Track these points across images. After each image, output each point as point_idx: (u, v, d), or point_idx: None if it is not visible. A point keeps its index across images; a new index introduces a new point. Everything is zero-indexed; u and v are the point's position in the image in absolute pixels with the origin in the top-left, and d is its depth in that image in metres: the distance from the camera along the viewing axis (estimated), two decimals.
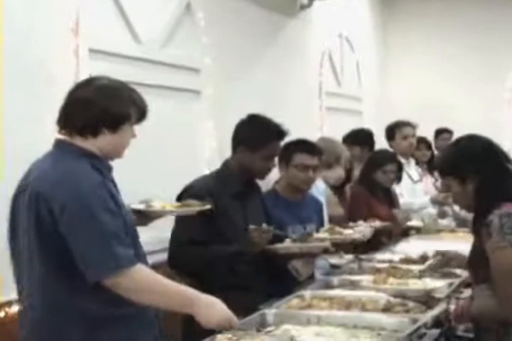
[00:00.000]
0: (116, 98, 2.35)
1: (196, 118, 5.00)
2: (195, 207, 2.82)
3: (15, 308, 3.18)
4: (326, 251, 3.36)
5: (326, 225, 3.82)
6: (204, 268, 3.11)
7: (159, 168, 4.51)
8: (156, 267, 3.52)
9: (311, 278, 3.54)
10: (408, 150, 5.76)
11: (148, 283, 2.23)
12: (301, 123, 6.70)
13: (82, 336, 2.25)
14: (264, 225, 3.07)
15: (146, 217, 2.62)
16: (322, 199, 4.12)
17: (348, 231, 3.50)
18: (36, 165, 2.37)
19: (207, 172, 4.24)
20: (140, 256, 2.36)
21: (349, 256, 3.78)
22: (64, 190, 2.20)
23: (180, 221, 3.17)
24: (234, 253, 3.07)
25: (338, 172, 4.46)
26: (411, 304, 2.65)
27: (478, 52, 8.76)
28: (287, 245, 3.19)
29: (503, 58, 8.66)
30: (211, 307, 2.25)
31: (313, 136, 6.92)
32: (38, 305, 2.28)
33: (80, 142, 2.35)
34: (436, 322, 2.43)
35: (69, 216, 2.19)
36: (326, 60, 7.34)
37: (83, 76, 3.88)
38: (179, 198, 3.17)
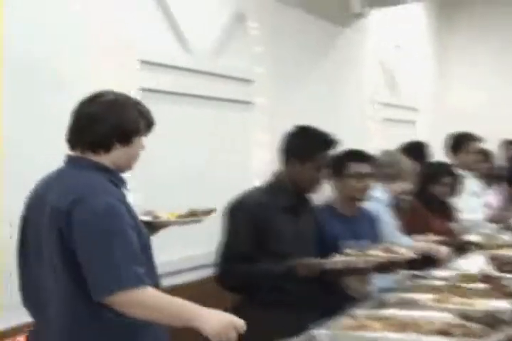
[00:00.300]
0: (125, 112, 2.37)
1: (249, 130, 4.93)
2: (200, 216, 2.71)
3: None
4: (376, 268, 3.17)
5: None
6: (251, 286, 3.04)
7: (210, 179, 4.45)
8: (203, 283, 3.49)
9: (367, 296, 3.39)
10: (472, 164, 5.60)
11: (151, 301, 2.18)
12: (355, 134, 6.59)
13: None
14: (312, 259, 2.96)
15: (152, 227, 2.58)
16: (383, 209, 4.02)
17: (402, 250, 3.30)
18: (51, 181, 2.37)
19: (257, 184, 4.15)
20: (150, 270, 2.33)
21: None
22: (84, 206, 2.20)
23: (229, 235, 3.09)
24: (281, 275, 2.97)
25: (400, 186, 4.31)
26: (473, 326, 2.50)
27: None
28: (334, 260, 3.04)
29: None
30: (213, 317, 2.20)
31: (366, 147, 6.82)
32: (62, 315, 2.25)
33: (93, 157, 2.35)
34: None
35: (84, 231, 2.19)
36: (380, 70, 7.21)
37: (133, 88, 3.86)
38: (230, 212, 3.11)
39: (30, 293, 2.39)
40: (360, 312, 2.79)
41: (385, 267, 3.18)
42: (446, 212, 4.81)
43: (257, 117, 5.00)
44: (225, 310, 2.57)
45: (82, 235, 2.18)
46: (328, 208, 3.57)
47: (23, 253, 2.38)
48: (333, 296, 3.18)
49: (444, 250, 4.06)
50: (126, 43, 3.81)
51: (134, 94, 3.82)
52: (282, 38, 5.43)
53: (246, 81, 4.96)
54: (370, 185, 3.58)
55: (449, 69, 9.01)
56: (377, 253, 3.17)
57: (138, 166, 3.56)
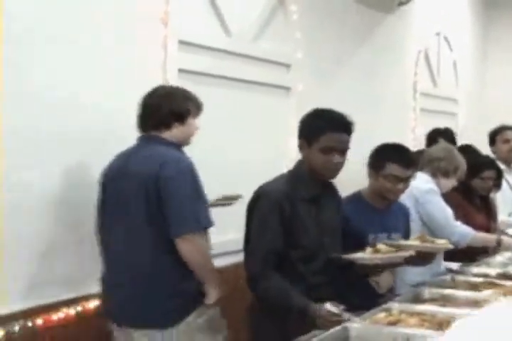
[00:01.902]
0: (176, 100, 3.06)
1: (284, 115, 4.83)
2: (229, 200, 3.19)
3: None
4: (408, 260, 3.02)
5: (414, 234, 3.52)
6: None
7: (243, 163, 4.38)
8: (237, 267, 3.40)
9: (391, 291, 3.28)
10: (508, 154, 5.45)
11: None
12: (394, 124, 6.48)
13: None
14: (336, 309, 2.61)
15: None
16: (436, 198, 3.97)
17: (440, 241, 3.20)
18: (128, 154, 3.01)
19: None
20: None
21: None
22: (169, 167, 2.84)
23: (259, 226, 2.87)
24: (297, 309, 2.71)
25: (452, 183, 4.20)
26: None
27: None
28: (368, 256, 2.85)
29: None
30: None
31: (405, 137, 6.71)
32: (142, 263, 2.86)
33: (159, 134, 3.02)
34: None
35: (172, 184, 2.82)
36: (422, 59, 7.06)
37: (171, 68, 3.80)
38: (254, 202, 2.90)
39: (107, 245, 3.01)
40: (395, 306, 2.69)
41: (421, 258, 3.05)
42: (486, 207, 4.67)
43: (294, 103, 4.91)
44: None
45: (170, 189, 2.81)
46: (359, 199, 3.39)
47: (103, 213, 3.02)
48: (358, 290, 3.05)
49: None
50: (166, 23, 3.74)
51: (171, 74, 3.79)
52: (322, 24, 5.32)
53: (284, 65, 4.88)
54: (406, 188, 3.37)
55: (490, 59, 8.82)
56: (414, 244, 3.07)
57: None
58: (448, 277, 3.31)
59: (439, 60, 7.45)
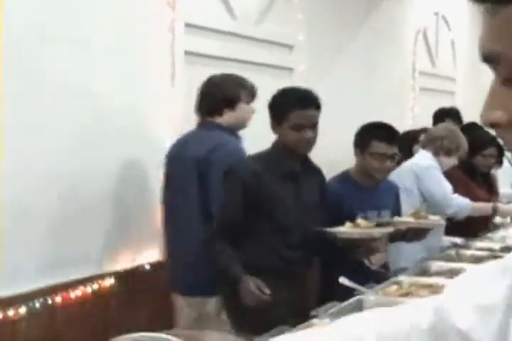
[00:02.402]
0: (226, 87, 3.33)
1: None
2: None
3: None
4: (392, 238, 3.12)
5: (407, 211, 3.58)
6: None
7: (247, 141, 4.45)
8: None
9: (384, 267, 3.34)
10: None
11: None
12: (393, 103, 6.55)
13: None
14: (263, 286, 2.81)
15: None
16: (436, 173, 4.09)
17: (433, 217, 3.29)
18: (188, 138, 3.36)
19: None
20: None
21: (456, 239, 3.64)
22: (217, 150, 3.13)
23: (221, 205, 2.99)
24: (232, 276, 2.88)
25: (453, 161, 4.31)
26: None
27: None
28: (348, 230, 2.90)
29: None
30: None
31: (404, 116, 6.79)
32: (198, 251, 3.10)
33: (213, 120, 3.32)
34: None
35: (218, 167, 3.04)
36: (420, 38, 7.12)
37: (178, 50, 3.86)
38: (224, 178, 3.00)
39: (167, 221, 3.40)
40: (405, 279, 2.79)
41: (414, 234, 3.15)
42: (488, 183, 4.77)
43: (297, 84, 4.94)
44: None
45: (219, 172, 2.97)
46: (347, 178, 3.43)
47: (165, 193, 3.41)
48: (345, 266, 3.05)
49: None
50: (173, 7, 3.80)
51: (178, 56, 3.86)
52: (323, 6, 5.38)
53: (287, 47, 4.94)
54: (392, 166, 3.45)
55: None
56: (408, 220, 3.15)
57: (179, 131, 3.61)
58: (453, 251, 3.40)
59: (438, 39, 7.51)
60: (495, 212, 4.42)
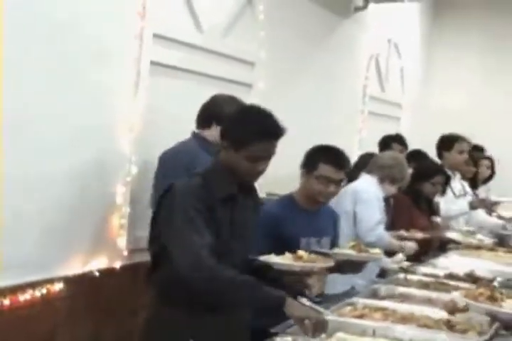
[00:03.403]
0: (222, 105, 3.72)
1: None
2: None
3: None
4: (329, 269, 2.88)
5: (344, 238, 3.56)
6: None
7: None
8: None
9: (322, 295, 3.21)
10: (461, 164, 5.74)
11: None
12: (343, 125, 6.70)
13: None
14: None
15: None
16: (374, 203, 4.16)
17: (374, 250, 3.26)
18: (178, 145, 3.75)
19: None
20: None
21: (403, 262, 3.73)
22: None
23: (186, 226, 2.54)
24: (272, 299, 2.43)
25: (394, 189, 4.46)
26: (472, 320, 2.61)
27: None
28: (289, 263, 2.68)
29: None
30: None
31: (352, 139, 6.94)
32: None
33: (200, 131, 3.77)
34: None
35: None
36: (372, 64, 7.30)
37: (145, 60, 3.89)
38: (167, 199, 2.63)
39: None
40: (359, 301, 2.87)
41: (352, 266, 3.00)
42: (431, 210, 4.93)
43: (256, 100, 5.02)
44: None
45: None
46: (290, 201, 3.28)
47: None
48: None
49: (411, 245, 4.18)
50: (143, 16, 3.82)
51: (144, 65, 3.88)
52: (285, 24, 5.48)
53: (249, 63, 5.00)
54: (337, 191, 3.31)
55: (435, 68, 9.14)
56: (349, 253, 3.06)
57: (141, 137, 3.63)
58: (401, 276, 3.50)
59: (388, 65, 7.70)
60: (403, 250, 4.54)
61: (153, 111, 3.97)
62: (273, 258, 2.70)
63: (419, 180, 4.74)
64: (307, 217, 3.23)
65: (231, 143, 2.62)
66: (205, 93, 4.51)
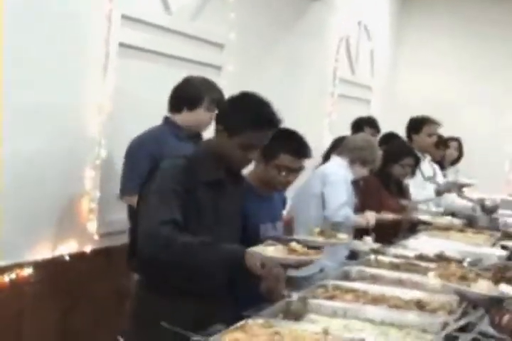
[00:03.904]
0: (193, 89, 3.64)
1: None
2: None
3: None
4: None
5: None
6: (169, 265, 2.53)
7: None
8: None
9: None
10: (430, 147, 5.80)
11: None
12: (312, 108, 6.70)
13: None
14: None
15: None
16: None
17: (341, 236, 3.20)
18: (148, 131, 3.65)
19: None
20: None
21: (373, 244, 3.75)
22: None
23: (156, 197, 2.53)
24: (223, 259, 2.46)
25: (365, 171, 4.47)
26: (442, 300, 2.63)
27: (490, 52, 8.78)
28: (285, 256, 2.57)
29: None
30: None
31: (321, 122, 6.95)
32: None
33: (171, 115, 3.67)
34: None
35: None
36: (342, 46, 7.29)
37: (113, 41, 3.84)
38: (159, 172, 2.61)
39: None
40: (330, 283, 2.88)
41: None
42: (401, 192, 4.96)
43: (225, 82, 4.99)
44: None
45: None
46: (247, 186, 3.03)
47: None
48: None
49: (371, 214, 4.22)
50: None
51: (112, 47, 3.83)
52: (256, 7, 5.44)
53: (218, 45, 4.96)
54: (295, 180, 3.19)
55: (405, 50, 9.18)
56: (320, 241, 3.05)
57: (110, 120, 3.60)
58: (372, 257, 3.52)
59: (358, 48, 7.70)
60: (404, 221, 4.64)
61: (122, 93, 3.93)
62: (266, 251, 2.59)
63: (389, 161, 4.76)
64: (263, 202, 3.09)
65: (225, 128, 2.61)
66: (174, 75, 4.47)
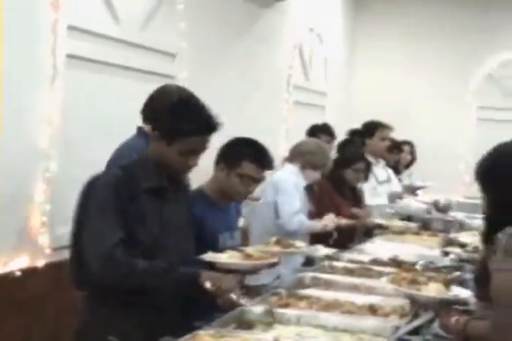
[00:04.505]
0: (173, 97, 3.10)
1: None
2: None
3: None
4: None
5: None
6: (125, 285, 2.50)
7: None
8: None
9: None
10: (383, 151, 5.86)
11: None
12: (268, 115, 6.71)
13: None
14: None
15: None
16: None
17: (299, 244, 3.19)
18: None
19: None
20: None
21: (327, 250, 3.75)
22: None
23: (97, 216, 2.49)
24: (179, 282, 2.50)
25: (317, 176, 4.47)
26: (395, 304, 2.64)
27: (442, 56, 8.91)
28: (239, 262, 2.64)
29: (467, 62, 8.81)
30: None
31: (278, 128, 6.96)
32: None
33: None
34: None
35: None
36: (296, 53, 7.32)
37: (60, 53, 3.79)
38: (86, 193, 2.59)
39: None
40: (283, 290, 2.87)
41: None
42: (355, 197, 4.98)
43: None
44: None
45: None
46: (203, 197, 3.04)
47: None
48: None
49: (330, 216, 4.24)
50: (55, 6, 3.72)
51: (59, 59, 3.78)
52: (207, 15, 5.43)
53: (170, 55, 4.95)
54: (254, 191, 3.13)
55: (358, 56, 9.26)
56: (278, 250, 3.03)
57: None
58: (326, 263, 3.53)
59: (312, 54, 7.74)
60: (360, 226, 4.66)
61: (72, 105, 3.88)
62: (220, 258, 2.64)
63: (341, 166, 4.78)
64: (220, 211, 3.05)
65: (163, 135, 2.56)
66: (126, 86, 4.48)
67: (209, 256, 2.64)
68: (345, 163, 4.81)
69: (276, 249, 3.03)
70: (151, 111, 3.44)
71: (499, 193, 2.24)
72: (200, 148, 2.60)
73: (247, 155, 3.00)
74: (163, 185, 2.60)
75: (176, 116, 2.57)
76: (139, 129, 3.52)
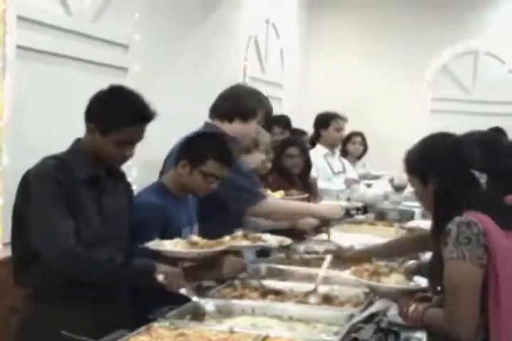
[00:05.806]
0: (249, 100, 3.76)
1: None
2: None
3: None
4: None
5: None
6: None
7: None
8: None
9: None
10: (338, 142, 5.89)
11: None
12: None
13: None
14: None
15: None
16: None
17: (267, 237, 3.13)
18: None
19: None
20: None
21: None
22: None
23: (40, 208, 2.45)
24: (133, 275, 2.50)
25: (257, 157, 4.31)
26: (349, 293, 2.65)
27: (397, 48, 8.98)
28: (185, 250, 2.64)
29: (422, 54, 8.89)
30: None
31: None
32: None
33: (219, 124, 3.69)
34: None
35: None
36: (251, 44, 7.30)
37: (10, 43, 3.72)
38: (24, 187, 2.54)
39: None
40: (237, 282, 2.87)
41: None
42: (306, 186, 4.94)
43: (131, 84, 4.88)
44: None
45: None
46: (164, 190, 3.01)
47: None
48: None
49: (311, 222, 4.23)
50: None
51: (9, 50, 3.71)
52: (161, 6, 5.38)
53: (123, 46, 4.89)
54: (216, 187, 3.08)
55: (314, 48, 9.27)
56: (247, 244, 2.97)
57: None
58: (282, 254, 3.53)
59: (267, 46, 7.73)
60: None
61: (22, 97, 3.82)
62: (165, 246, 2.64)
63: (277, 155, 4.75)
64: (180, 205, 3.03)
65: (98, 126, 2.54)
66: (78, 78, 4.41)
67: (154, 244, 2.64)
68: (278, 151, 4.77)
69: (246, 243, 2.97)
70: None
71: (438, 183, 2.26)
72: (136, 138, 2.59)
73: (211, 154, 2.97)
74: (100, 174, 2.59)
75: (110, 106, 2.56)
76: (214, 127, 3.64)
